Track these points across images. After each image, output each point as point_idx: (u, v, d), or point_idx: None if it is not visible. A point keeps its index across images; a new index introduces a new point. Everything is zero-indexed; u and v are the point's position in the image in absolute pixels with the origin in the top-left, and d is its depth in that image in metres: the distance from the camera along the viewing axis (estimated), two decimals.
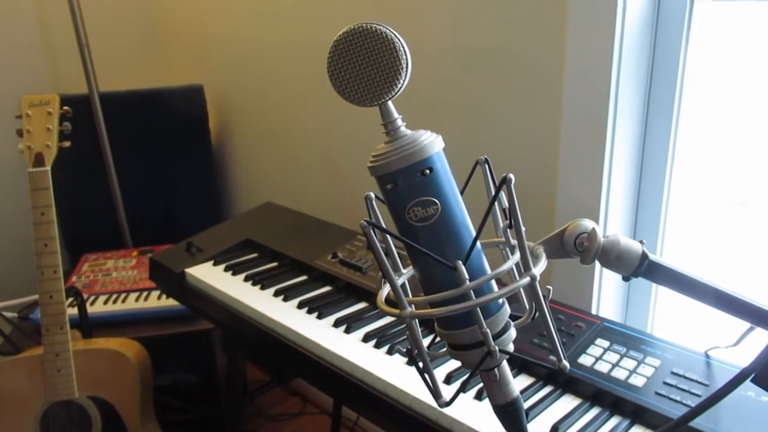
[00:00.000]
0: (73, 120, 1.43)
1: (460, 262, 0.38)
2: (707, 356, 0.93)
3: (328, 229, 1.48)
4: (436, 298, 0.39)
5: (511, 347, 0.43)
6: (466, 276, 0.38)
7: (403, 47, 0.39)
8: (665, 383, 0.87)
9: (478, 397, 0.89)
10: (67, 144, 1.41)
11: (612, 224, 1.22)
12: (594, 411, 0.87)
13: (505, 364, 0.44)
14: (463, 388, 0.41)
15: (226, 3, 2.03)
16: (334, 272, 1.27)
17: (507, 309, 0.43)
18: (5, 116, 1.73)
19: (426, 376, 0.41)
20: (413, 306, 0.40)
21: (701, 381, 0.87)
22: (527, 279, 0.38)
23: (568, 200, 1.23)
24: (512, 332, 0.43)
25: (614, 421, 0.85)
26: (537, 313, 0.42)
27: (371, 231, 0.38)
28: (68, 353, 1.38)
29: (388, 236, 0.44)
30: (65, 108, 1.42)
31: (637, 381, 0.88)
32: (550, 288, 0.42)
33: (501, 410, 0.44)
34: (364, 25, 0.38)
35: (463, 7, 1.32)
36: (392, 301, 0.41)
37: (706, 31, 1.10)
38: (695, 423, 0.79)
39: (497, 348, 0.39)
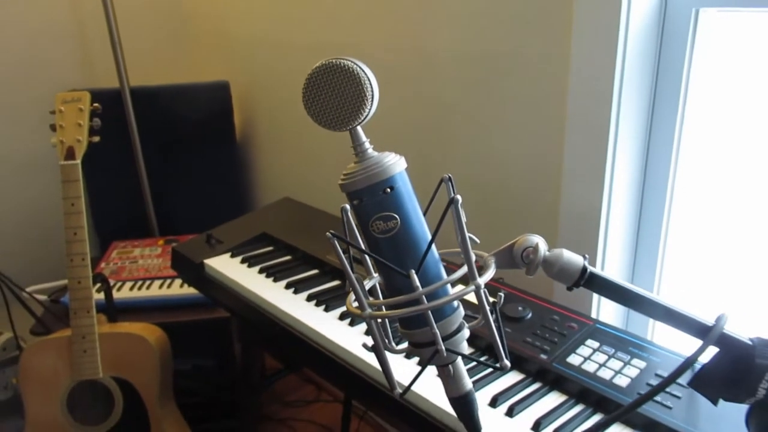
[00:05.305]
0: (104, 113, 1.50)
1: (413, 271, 0.44)
2: (687, 357, 0.96)
3: (341, 225, 1.53)
4: (391, 302, 0.44)
5: (464, 346, 0.48)
6: (418, 283, 0.43)
7: (368, 80, 0.44)
8: (648, 384, 0.91)
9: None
10: (96, 139, 1.48)
11: (614, 226, 1.25)
12: (577, 408, 0.91)
13: (459, 361, 0.49)
14: (414, 381, 0.46)
15: (250, 5, 2.10)
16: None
17: (461, 312, 0.48)
18: (42, 110, 1.82)
19: (383, 368, 0.46)
20: (374, 308, 0.45)
21: (683, 384, 0.90)
22: (472, 287, 0.44)
23: (573, 203, 1.27)
24: (465, 333, 0.48)
25: (596, 418, 0.89)
26: (494, 316, 0.47)
27: (335, 242, 0.44)
28: (94, 336, 1.46)
29: (361, 244, 0.50)
30: (95, 105, 1.50)
31: (621, 381, 0.92)
32: (502, 294, 0.47)
33: (455, 402, 0.50)
34: (333, 60, 0.43)
35: (472, 15, 1.36)
36: None
37: (711, 40, 1.12)
38: (672, 423, 0.83)
39: (444, 347, 0.44)
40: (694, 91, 1.16)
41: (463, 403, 0.49)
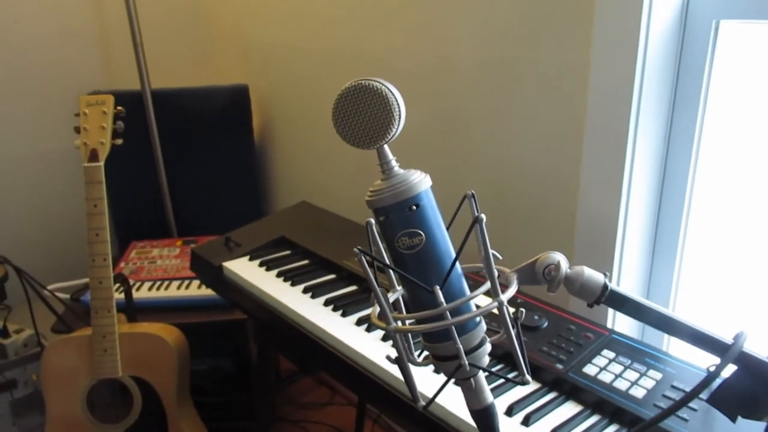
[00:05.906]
0: (126, 115, 1.53)
1: (437, 287, 0.45)
2: (708, 372, 0.96)
3: (359, 230, 1.55)
4: (415, 317, 0.46)
5: (485, 360, 0.49)
6: (442, 299, 0.45)
7: (396, 100, 0.45)
8: (664, 396, 0.91)
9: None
10: (119, 142, 1.50)
11: (631, 235, 1.25)
12: (593, 419, 0.92)
13: (481, 374, 0.50)
14: (437, 395, 0.47)
15: (269, 11, 2.12)
16: (361, 273, 1.34)
17: (483, 326, 0.49)
18: (66, 111, 1.86)
19: (407, 380, 0.48)
20: (399, 322, 0.46)
21: (700, 396, 0.90)
22: (495, 303, 0.44)
23: (590, 211, 1.27)
24: (487, 347, 0.49)
25: (612, 429, 0.90)
26: (515, 330, 0.48)
27: (362, 257, 0.45)
28: (114, 335, 1.49)
29: (385, 257, 0.51)
30: (119, 108, 1.52)
31: (638, 392, 0.92)
32: (523, 310, 0.48)
33: (476, 415, 0.51)
34: (363, 82, 0.45)
35: (492, 22, 1.37)
36: None
37: (731, 52, 1.12)
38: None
39: (467, 362, 0.45)
40: (714, 102, 1.16)
41: (485, 416, 0.50)
